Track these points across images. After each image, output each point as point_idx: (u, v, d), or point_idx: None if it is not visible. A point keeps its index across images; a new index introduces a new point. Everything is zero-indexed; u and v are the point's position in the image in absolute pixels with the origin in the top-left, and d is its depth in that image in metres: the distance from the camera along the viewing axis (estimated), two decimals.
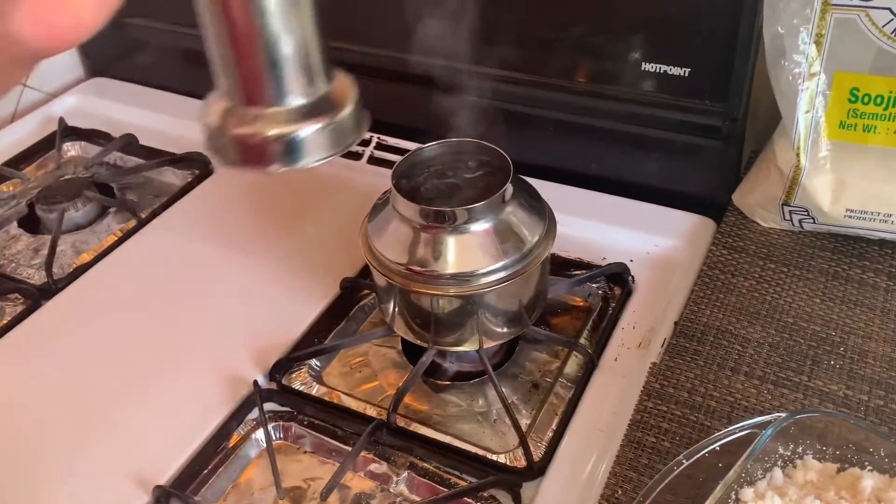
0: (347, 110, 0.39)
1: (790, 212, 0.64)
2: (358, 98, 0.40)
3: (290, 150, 0.37)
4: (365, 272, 0.70)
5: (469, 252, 0.55)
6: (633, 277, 0.66)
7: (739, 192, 0.69)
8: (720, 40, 0.62)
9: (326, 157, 0.38)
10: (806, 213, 0.63)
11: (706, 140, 0.69)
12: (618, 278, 0.66)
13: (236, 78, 0.37)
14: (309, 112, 0.37)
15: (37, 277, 0.73)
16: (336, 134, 0.38)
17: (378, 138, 0.85)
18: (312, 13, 0.37)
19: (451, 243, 0.55)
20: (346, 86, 0.39)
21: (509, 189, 0.55)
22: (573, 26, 0.67)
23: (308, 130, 0.37)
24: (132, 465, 0.56)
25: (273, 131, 0.37)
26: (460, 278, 0.54)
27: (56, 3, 0.29)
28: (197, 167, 0.84)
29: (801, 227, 0.65)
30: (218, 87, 0.38)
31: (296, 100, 0.37)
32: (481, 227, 0.54)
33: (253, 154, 0.37)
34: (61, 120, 0.91)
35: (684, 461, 0.44)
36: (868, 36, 0.56)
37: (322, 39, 0.38)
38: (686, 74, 0.64)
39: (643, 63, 0.65)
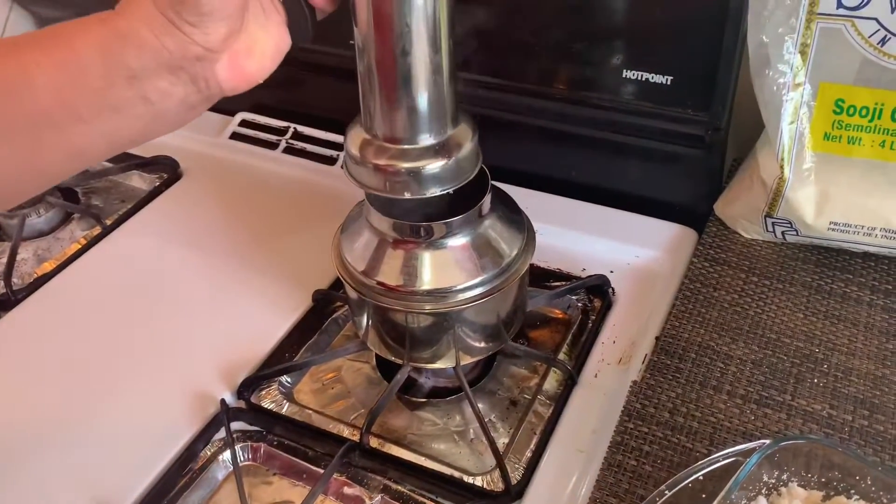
0: (467, 150, 0.49)
1: (773, 223, 0.63)
2: (477, 139, 0.51)
3: (418, 181, 0.48)
4: (338, 284, 0.68)
5: (445, 267, 0.53)
6: (613, 289, 0.64)
7: (721, 202, 0.68)
8: (704, 48, 0.60)
9: (448, 189, 0.49)
10: (789, 226, 0.62)
11: (688, 149, 0.67)
12: (598, 290, 0.65)
13: (382, 120, 0.48)
14: (437, 150, 0.48)
15: None
16: (457, 169, 0.49)
17: None
18: (451, 71, 0.47)
19: (427, 258, 0.53)
20: (468, 128, 0.50)
21: (487, 202, 0.54)
22: (553, 32, 0.65)
23: (435, 166, 0.48)
24: (92, 488, 0.53)
25: (406, 165, 0.48)
26: (436, 294, 0.52)
27: (247, 54, 0.42)
28: (165, 171, 0.81)
29: (784, 238, 0.64)
30: (362, 121, 0.49)
31: (427, 140, 0.48)
32: (458, 241, 0.52)
33: (387, 182, 0.49)
34: None
35: (667, 491, 0.42)
36: (854, 46, 0.55)
37: (456, 91, 0.48)
38: (668, 83, 0.62)
39: (624, 70, 0.63)
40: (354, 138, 0.50)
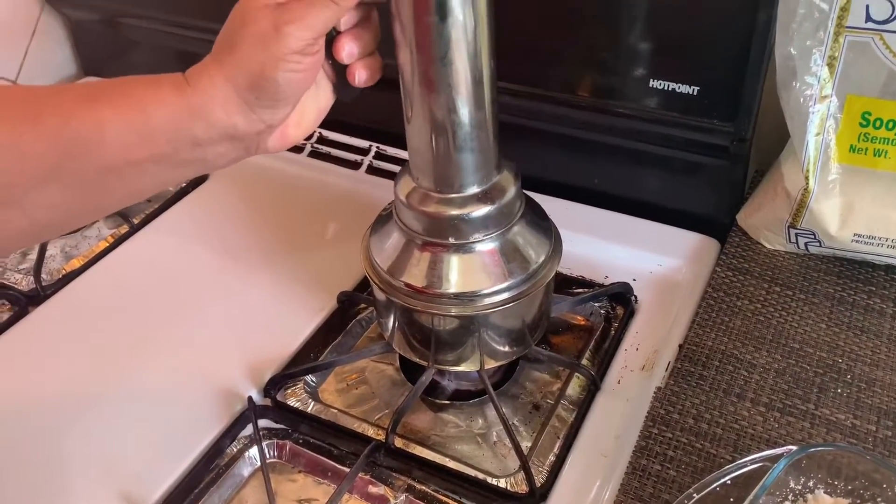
0: (510, 195, 0.53)
1: (797, 234, 0.63)
2: (520, 185, 0.54)
3: (463, 227, 0.52)
4: (362, 285, 0.69)
5: (473, 271, 0.53)
6: (635, 297, 0.65)
7: (744, 212, 0.68)
8: (730, 59, 0.61)
9: (492, 234, 0.52)
10: (813, 237, 0.62)
11: (712, 159, 0.68)
12: (620, 298, 0.65)
13: (429, 171, 0.52)
14: (481, 198, 0.52)
15: (24, 283, 0.71)
16: (500, 215, 0.53)
17: (377, 147, 0.84)
18: (494, 125, 0.51)
19: (455, 262, 0.53)
20: (510, 174, 0.55)
21: (517, 208, 0.54)
22: (581, 41, 0.66)
23: (479, 213, 0.52)
24: (120, 483, 0.54)
25: (452, 212, 0.52)
26: (463, 298, 0.53)
27: (297, 125, 0.47)
28: None
29: (807, 249, 0.64)
30: (410, 171, 0.54)
31: (472, 189, 0.52)
32: (487, 246, 0.53)
33: (434, 228, 0.53)
34: None
35: (695, 494, 0.43)
36: (881, 59, 0.55)
37: (496, 143, 0.52)
38: (695, 93, 0.63)
39: (651, 80, 0.64)
40: (404, 186, 0.54)
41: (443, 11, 0.45)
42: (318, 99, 0.48)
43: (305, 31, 0.42)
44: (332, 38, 0.48)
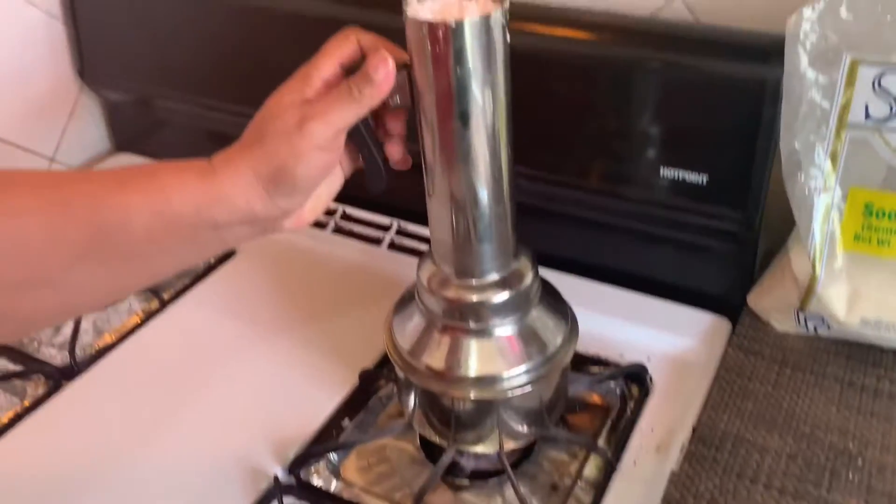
0: (528, 282, 0.55)
1: (805, 318, 0.65)
2: (537, 270, 0.57)
3: (483, 312, 0.55)
4: (383, 362, 0.71)
5: (492, 355, 0.56)
6: (650, 377, 0.67)
7: (754, 294, 0.70)
8: (738, 151, 0.64)
9: (511, 318, 0.55)
10: (821, 321, 0.64)
11: (722, 243, 0.70)
12: (636, 377, 0.67)
13: (451, 258, 0.54)
14: (500, 284, 0.54)
15: (59, 358, 0.74)
16: (518, 300, 0.55)
17: (398, 224, 0.87)
18: (513, 216, 0.54)
19: (474, 346, 0.56)
20: (528, 261, 0.57)
21: (535, 293, 0.57)
22: (594, 130, 0.69)
23: (498, 299, 0.54)
24: None
25: (472, 298, 0.55)
26: (483, 381, 0.55)
27: (310, 209, 0.50)
28: None
29: (816, 332, 0.66)
30: (433, 256, 0.56)
31: (491, 276, 0.54)
32: (505, 331, 0.55)
33: (454, 313, 0.55)
34: None
35: None
36: (881, 155, 0.58)
37: (515, 232, 0.55)
38: (704, 182, 0.66)
39: (661, 168, 0.67)
40: (426, 271, 0.57)
41: (465, 118, 0.49)
42: (331, 183, 0.51)
43: (327, 128, 0.46)
44: (364, 133, 0.52)
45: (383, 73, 0.46)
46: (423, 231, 0.85)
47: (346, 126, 0.47)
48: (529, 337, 0.56)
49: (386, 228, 0.87)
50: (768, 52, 0.61)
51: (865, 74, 0.56)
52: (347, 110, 0.47)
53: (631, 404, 0.66)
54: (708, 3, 0.70)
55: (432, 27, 0.46)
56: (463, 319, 0.55)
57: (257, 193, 0.46)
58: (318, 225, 0.89)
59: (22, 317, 0.46)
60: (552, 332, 0.57)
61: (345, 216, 0.89)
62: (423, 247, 0.83)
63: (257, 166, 0.45)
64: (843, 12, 0.56)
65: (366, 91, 0.46)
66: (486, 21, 0.46)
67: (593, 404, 0.68)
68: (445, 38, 0.46)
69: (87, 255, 0.44)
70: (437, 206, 0.54)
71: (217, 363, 0.72)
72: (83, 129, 1.03)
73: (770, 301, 0.68)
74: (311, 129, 0.45)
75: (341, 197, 0.88)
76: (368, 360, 0.70)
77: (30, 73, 0.95)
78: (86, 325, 0.78)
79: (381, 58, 0.46)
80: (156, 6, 0.91)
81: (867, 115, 0.58)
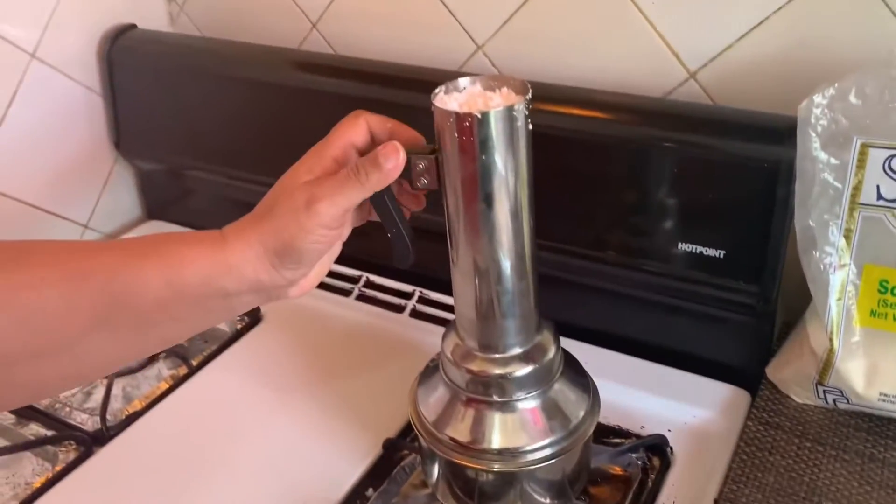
0: (550, 355, 0.57)
1: (824, 391, 0.66)
2: (559, 344, 0.58)
3: (506, 385, 0.56)
4: (406, 431, 0.72)
5: (515, 429, 0.57)
6: (671, 449, 0.67)
7: (773, 366, 0.71)
8: (754, 227, 0.66)
9: (534, 392, 0.56)
10: (840, 394, 0.65)
11: (740, 315, 0.72)
12: (657, 449, 0.68)
13: (475, 332, 0.56)
14: (523, 358, 0.56)
15: (90, 423, 0.75)
16: (541, 374, 0.57)
17: (420, 292, 0.89)
18: (536, 291, 0.56)
19: (498, 419, 0.57)
20: (550, 335, 0.58)
21: (557, 366, 0.58)
22: (614, 206, 0.72)
23: (522, 372, 0.56)
24: None
25: (496, 371, 0.56)
26: (506, 454, 0.56)
27: (314, 278, 0.53)
28: (247, 314, 0.88)
29: (836, 405, 0.67)
30: (457, 328, 0.58)
31: (514, 350, 0.56)
32: (529, 404, 0.57)
33: (478, 385, 0.56)
34: None
35: None
36: (894, 233, 0.60)
37: (538, 306, 0.57)
38: (721, 256, 0.67)
39: (679, 243, 0.69)
40: (450, 343, 0.58)
41: (489, 200, 0.51)
42: (333, 252, 0.54)
43: (332, 208, 0.48)
44: (392, 211, 0.54)
45: (392, 163, 0.49)
46: (444, 299, 0.87)
47: (351, 206, 0.50)
48: (552, 410, 0.57)
49: (408, 296, 0.89)
50: (782, 133, 0.63)
51: (876, 157, 0.59)
52: (354, 193, 0.49)
53: (652, 476, 0.66)
54: (721, 85, 0.73)
55: (459, 117, 0.48)
56: (487, 392, 0.57)
57: (264, 265, 0.48)
58: (343, 292, 0.91)
59: (37, 384, 0.47)
60: (574, 405, 0.58)
61: (368, 284, 0.91)
62: (444, 314, 0.85)
63: (266, 240, 0.48)
64: (853, 98, 0.58)
65: (373, 176, 0.49)
66: (509, 111, 0.49)
67: (615, 476, 0.68)
68: (471, 127, 0.48)
69: (102, 323, 0.46)
70: (462, 281, 0.56)
71: (244, 430, 0.74)
72: (116, 198, 1.06)
73: (789, 373, 0.69)
74: (318, 209, 0.48)
75: (365, 265, 0.92)
76: (392, 429, 0.72)
77: (68, 144, 0.99)
78: (116, 390, 0.80)
79: (392, 148, 0.49)
80: (186, 83, 0.96)
81: (879, 196, 0.59)
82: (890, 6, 0.64)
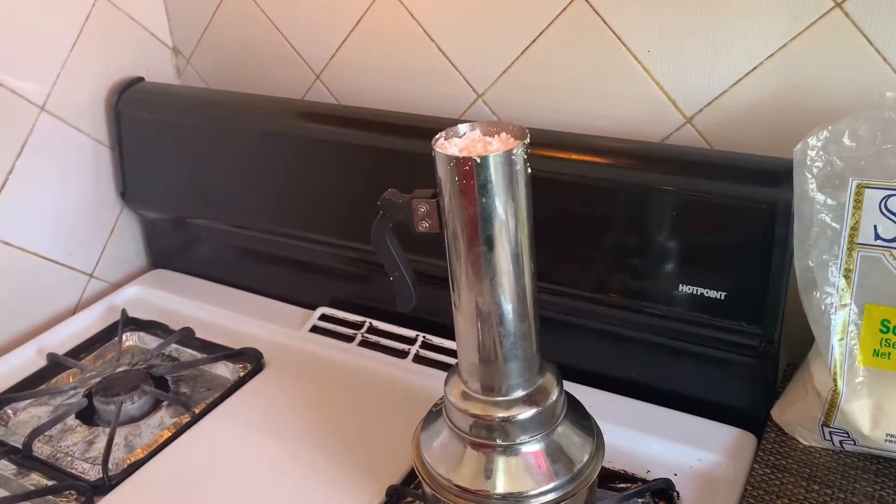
0: (553, 398, 0.57)
1: (830, 433, 0.65)
2: (562, 386, 0.58)
3: (509, 429, 0.55)
4: (410, 477, 0.71)
5: (520, 473, 0.56)
6: (678, 493, 0.67)
7: (778, 408, 0.71)
8: (754, 268, 0.66)
9: (537, 435, 0.55)
10: (846, 435, 0.65)
11: (742, 357, 0.71)
12: (663, 493, 0.67)
13: (477, 376, 0.56)
14: (526, 400, 0.56)
15: (91, 472, 0.75)
16: (545, 416, 0.57)
17: (423, 337, 0.89)
18: (537, 333, 0.56)
19: (502, 463, 0.56)
20: (553, 377, 0.58)
21: (560, 408, 0.58)
22: (614, 249, 0.72)
23: (525, 416, 0.55)
24: None
25: (499, 414, 0.55)
26: (510, 499, 0.56)
27: None
28: (249, 361, 0.88)
29: (843, 447, 0.66)
30: (459, 373, 0.57)
31: (517, 391, 0.56)
32: (532, 448, 0.56)
33: (481, 429, 0.56)
34: (124, 312, 0.97)
35: None
36: (893, 272, 0.60)
37: (540, 348, 0.57)
38: (722, 297, 0.68)
39: (680, 284, 0.69)
40: (453, 387, 0.58)
41: (490, 242, 0.52)
42: None
43: None
44: (395, 256, 0.55)
45: None
46: (446, 344, 0.87)
47: None
48: (556, 453, 0.57)
49: (411, 341, 0.89)
50: (778, 175, 0.64)
51: (872, 197, 0.59)
52: None
53: None
54: (718, 130, 0.75)
55: (459, 162, 0.49)
56: (490, 436, 0.56)
57: None
58: (346, 338, 0.91)
59: None
60: (578, 448, 0.58)
61: (371, 329, 0.91)
62: (447, 359, 0.85)
63: None
64: (847, 140, 0.59)
65: None
66: (508, 156, 0.50)
67: None
68: (471, 171, 0.49)
69: None
70: (464, 324, 0.56)
71: (246, 477, 0.73)
72: (122, 247, 1.07)
73: (794, 415, 0.69)
74: None
75: (368, 311, 0.93)
76: (396, 475, 0.71)
77: (75, 194, 1.00)
78: (118, 439, 0.79)
79: None
80: (192, 134, 0.98)
81: (877, 236, 0.60)
82: (881, 51, 0.66)
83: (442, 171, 0.51)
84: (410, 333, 0.90)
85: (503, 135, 0.52)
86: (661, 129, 0.78)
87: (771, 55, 0.70)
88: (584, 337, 0.80)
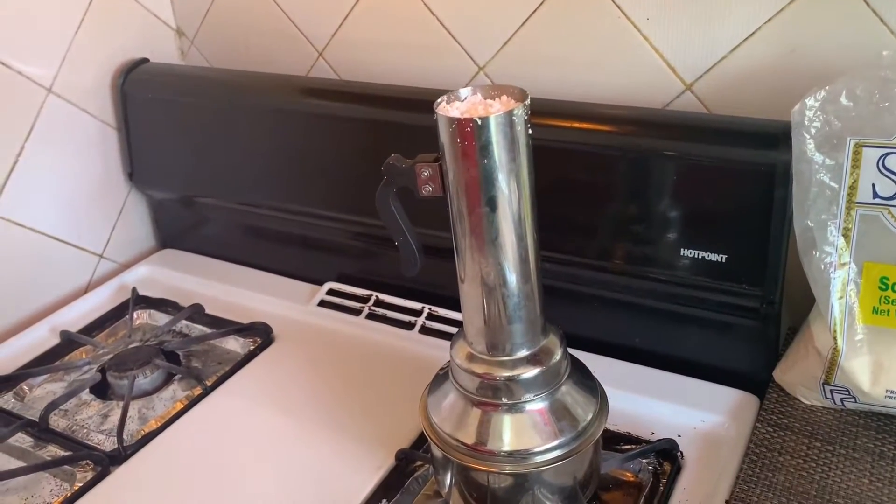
0: (557, 357, 0.58)
1: (831, 391, 0.66)
2: (565, 347, 0.59)
3: (514, 388, 0.56)
4: (419, 442, 0.72)
5: (525, 430, 0.58)
6: (682, 453, 0.68)
7: (779, 369, 0.72)
8: (754, 230, 0.67)
9: (542, 394, 0.57)
10: (847, 393, 0.66)
11: (744, 320, 0.72)
12: (667, 454, 0.68)
13: (482, 337, 0.57)
14: (530, 360, 0.57)
15: (107, 444, 0.76)
16: (548, 375, 0.57)
17: (429, 309, 0.90)
18: (540, 294, 0.56)
19: (508, 421, 0.58)
20: (556, 338, 0.59)
21: (565, 368, 0.59)
22: (616, 215, 0.73)
23: (529, 375, 0.56)
24: None
25: (504, 374, 0.56)
26: (516, 456, 0.57)
27: None
28: (259, 336, 0.89)
29: (843, 405, 0.67)
30: (465, 334, 0.58)
31: (522, 351, 0.57)
32: (537, 405, 0.58)
33: (486, 389, 0.57)
34: (134, 290, 0.98)
35: None
36: (891, 230, 0.61)
37: (543, 310, 0.58)
38: (723, 260, 0.69)
39: (681, 249, 0.70)
40: (458, 349, 0.59)
41: (492, 204, 0.53)
42: None
43: None
44: (399, 220, 0.56)
45: None
46: (452, 315, 0.88)
47: None
48: (561, 411, 0.58)
49: (418, 313, 0.90)
50: (777, 138, 0.65)
51: (869, 156, 0.60)
52: None
53: (663, 481, 0.66)
54: (717, 95, 0.75)
55: (460, 123, 0.50)
56: (496, 395, 0.58)
57: None
58: (353, 311, 0.92)
59: None
60: (583, 406, 0.59)
61: (378, 302, 0.93)
62: (452, 329, 0.86)
63: None
64: (844, 100, 0.60)
65: None
66: (508, 116, 0.50)
67: (626, 482, 0.69)
68: (472, 133, 0.50)
69: None
70: (468, 288, 0.57)
71: (257, 447, 0.74)
72: (130, 228, 1.09)
73: (795, 375, 0.70)
74: None
75: (374, 284, 0.94)
76: (405, 441, 0.72)
77: (83, 175, 1.02)
78: (132, 412, 0.81)
79: None
80: (198, 114, 0.99)
81: (875, 194, 0.61)
82: (877, 12, 0.66)
83: (444, 133, 0.52)
84: (416, 306, 0.91)
85: (504, 97, 0.53)
86: (661, 97, 0.78)
87: (769, 20, 0.70)
88: (587, 305, 0.81)
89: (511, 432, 0.57)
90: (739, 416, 0.70)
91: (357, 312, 0.92)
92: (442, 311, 0.89)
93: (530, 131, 0.52)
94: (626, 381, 0.75)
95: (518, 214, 0.54)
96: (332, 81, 0.98)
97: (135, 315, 0.96)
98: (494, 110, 0.51)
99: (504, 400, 0.57)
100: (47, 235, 0.98)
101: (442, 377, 0.63)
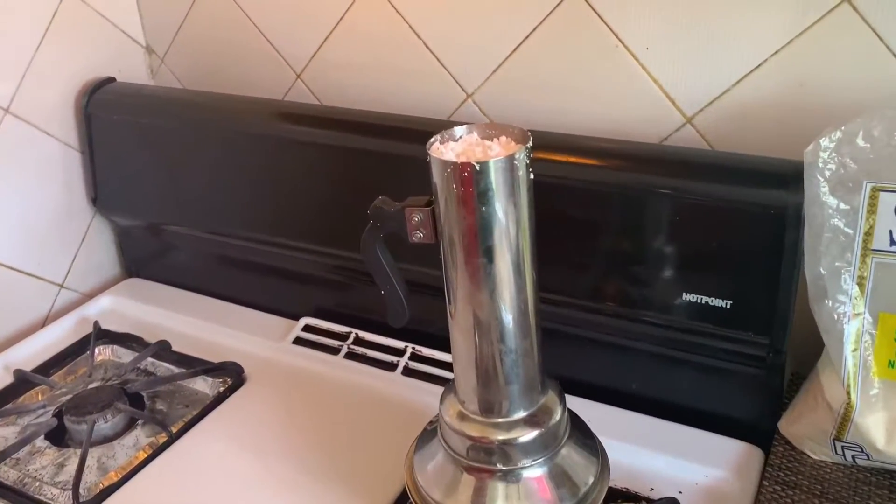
0: (556, 417, 0.53)
1: (842, 447, 0.63)
2: (565, 405, 0.54)
3: (510, 452, 0.52)
4: (401, 500, 0.67)
5: (521, 499, 0.53)
6: None
7: (786, 420, 0.68)
8: (762, 276, 0.63)
9: (540, 459, 0.52)
10: (860, 450, 0.62)
11: (748, 368, 0.68)
12: None
13: (476, 396, 0.52)
14: (528, 421, 0.52)
15: (61, 499, 0.70)
16: (548, 438, 0.52)
17: (413, 348, 0.85)
18: (540, 350, 0.52)
19: (502, 490, 0.53)
20: (556, 395, 0.54)
21: (564, 429, 0.55)
22: (617, 258, 0.69)
23: (527, 438, 0.51)
24: None
25: (499, 437, 0.51)
26: None
27: None
28: (229, 376, 0.84)
29: (855, 462, 0.63)
30: (456, 391, 0.54)
31: (519, 412, 0.52)
32: (535, 472, 0.53)
33: (479, 452, 0.52)
34: (96, 324, 0.92)
35: None
36: None
37: (542, 367, 0.53)
38: (728, 306, 0.65)
39: (684, 293, 0.66)
40: (448, 407, 0.55)
41: (490, 254, 0.48)
42: None
43: None
44: (388, 270, 0.51)
45: None
46: (438, 355, 0.83)
47: None
48: (560, 478, 0.53)
49: (400, 353, 0.85)
50: (787, 178, 0.61)
51: (887, 201, 0.57)
52: None
53: None
54: (719, 130, 0.72)
55: (457, 168, 0.46)
56: (489, 460, 0.53)
57: None
58: (331, 350, 0.87)
59: None
60: (583, 471, 0.55)
61: (358, 340, 0.88)
62: (438, 372, 0.81)
63: None
64: (860, 141, 0.56)
65: None
66: (510, 161, 0.46)
67: None
68: (470, 178, 0.46)
69: None
70: (461, 340, 0.52)
71: (227, 500, 0.69)
72: (93, 256, 1.03)
73: (803, 428, 0.66)
74: None
75: (354, 321, 0.89)
76: (386, 497, 0.67)
77: (43, 201, 0.96)
78: (90, 461, 0.75)
79: None
80: (167, 137, 0.93)
81: (892, 241, 0.57)
82: (891, 48, 0.63)
83: (438, 177, 0.47)
84: (399, 344, 0.86)
85: (503, 138, 0.49)
86: (659, 130, 0.74)
87: (776, 52, 0.67)
88: (583, 348, 0.77)
89: (506, 502, 0.52)
90: (744, 471, 0.66)
91: (335, 351, 0.87)
92: (426, 351, 0.84)
93: (532, 175, 0.48)
94: (623, 430, 0.70)
95: (517, 264, 0.49)
96: (310, 106, 0.93)
97: (96, 351, 0.90)
98: (494, 153, 0.46)
99: (499, 465, 0.53)
100: (2, 265, 0.92)
101: (430, 434, 0.59)
